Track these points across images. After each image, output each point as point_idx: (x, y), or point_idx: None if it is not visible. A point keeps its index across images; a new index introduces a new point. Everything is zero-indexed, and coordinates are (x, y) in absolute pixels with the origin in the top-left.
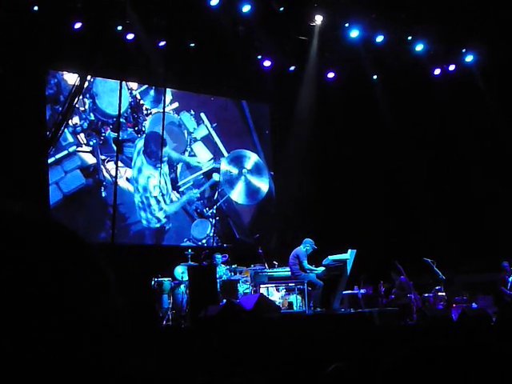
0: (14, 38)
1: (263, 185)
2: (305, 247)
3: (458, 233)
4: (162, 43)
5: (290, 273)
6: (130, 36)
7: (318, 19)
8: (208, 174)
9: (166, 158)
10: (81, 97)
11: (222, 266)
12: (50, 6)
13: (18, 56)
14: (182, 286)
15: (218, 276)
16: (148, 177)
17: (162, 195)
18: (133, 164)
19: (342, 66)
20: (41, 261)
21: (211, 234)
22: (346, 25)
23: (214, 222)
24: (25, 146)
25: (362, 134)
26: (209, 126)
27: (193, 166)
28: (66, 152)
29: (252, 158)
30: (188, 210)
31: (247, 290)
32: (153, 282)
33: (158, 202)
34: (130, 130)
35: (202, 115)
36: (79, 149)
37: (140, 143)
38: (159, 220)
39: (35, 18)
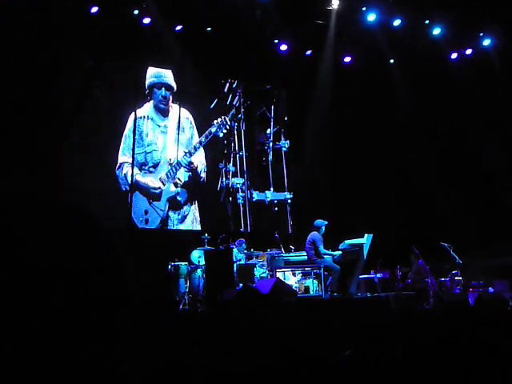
0: (31, 22)
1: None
2: (318, 230)
3: (474, 218)
4: (179, 27)
5: (306, 257)
6: (147, 20)
7: (335, 3)
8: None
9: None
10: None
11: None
12: None
13: (34, 40)
14: (199, 271)
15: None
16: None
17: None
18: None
19: (358, 50)
20: (47, 260)
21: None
22: (363, 8)
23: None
24: (41, 129)
25: (380, 117)
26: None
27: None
28: None
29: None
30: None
31: (263, 275)
32: (169, 267)
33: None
34: None
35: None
36: None
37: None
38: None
39: (52, 2)
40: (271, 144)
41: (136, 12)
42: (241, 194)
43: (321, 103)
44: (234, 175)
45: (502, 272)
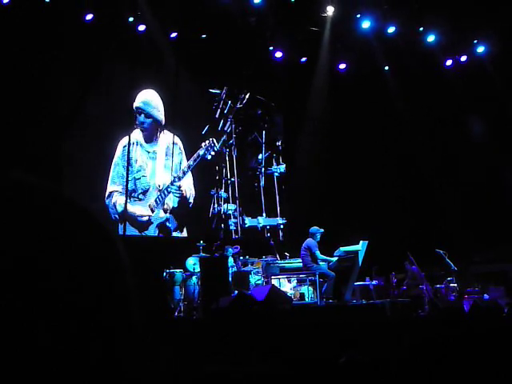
0: (28, 27)
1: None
2: (314, 237)
3: (472, 222)
4: (174, 34)
5: (301, 264)
6: (142, 27)
7: (330, 10)
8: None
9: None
10: None
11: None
12: None
13: (32, 44)
14: (194, 278)
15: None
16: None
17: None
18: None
19: (353, 57)
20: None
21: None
22: (358, 16)
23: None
24: (40, 127)
25: (374, 125)
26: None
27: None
28: None
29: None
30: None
31: (259, 282)
32: (164, 274)
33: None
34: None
35: None
36: None
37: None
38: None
39: (47, 9)
40: (263, 169)
41: (131, 19)
42: (233, 220)
43: (316, 110)
44: (226, 201)
45: (497, 278)
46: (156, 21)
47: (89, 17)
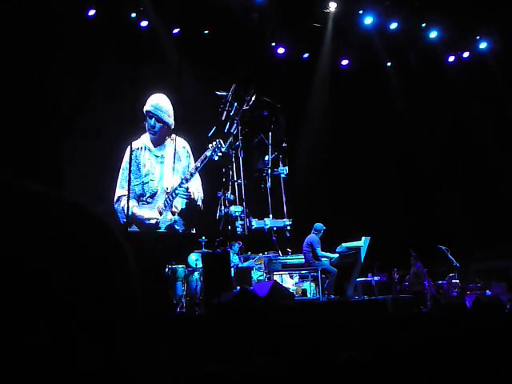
0: (28, 26)
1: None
2: (317, 234)
3: (473, 220)
4: (176, 30)
5: (303, 260)
6: (144, 23)
7: (332, 6)
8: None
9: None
10: None
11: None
12: None
13: (32, 43)
14: (196, 273)
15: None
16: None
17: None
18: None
19: (356, 53)
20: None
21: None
22: (360, 12)
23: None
24: (40, 127)
25: (376, 121)
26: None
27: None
28: None
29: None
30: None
31: (261, 278)
32: (167, 269)
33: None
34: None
35: None
36: None
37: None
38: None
39: (48, 6)
40: (269, 171)
41: (133, 15)
42: (240, 222)
43: (316, 109)
44: (233, 203)
45: (500, 275)
46: (158, 16)
47: (91, 12)
